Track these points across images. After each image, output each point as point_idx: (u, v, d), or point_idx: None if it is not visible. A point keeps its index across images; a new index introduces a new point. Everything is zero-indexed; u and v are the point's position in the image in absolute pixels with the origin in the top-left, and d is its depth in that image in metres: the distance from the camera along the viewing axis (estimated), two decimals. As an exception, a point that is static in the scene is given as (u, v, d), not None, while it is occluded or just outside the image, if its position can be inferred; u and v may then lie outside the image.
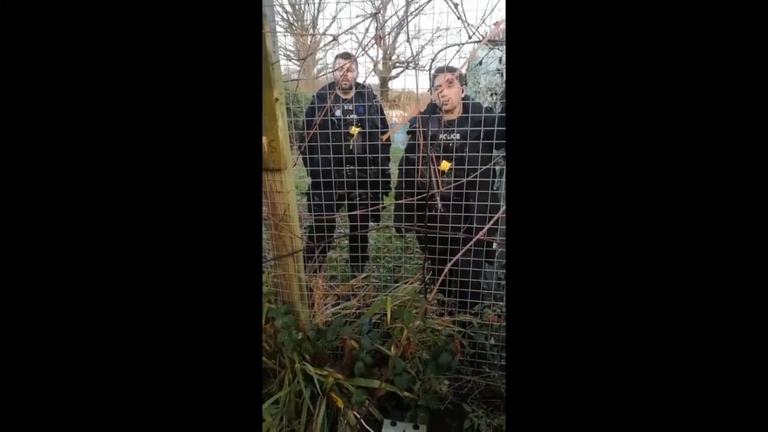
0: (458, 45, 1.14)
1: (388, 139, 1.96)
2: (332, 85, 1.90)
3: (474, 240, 0.94)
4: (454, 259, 0.89)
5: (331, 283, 1.53)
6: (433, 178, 1.39)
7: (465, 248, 0.96)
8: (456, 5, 1.02)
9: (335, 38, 1.06)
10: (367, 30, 1.18)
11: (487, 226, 0.91)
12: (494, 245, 1.44)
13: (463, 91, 1.52)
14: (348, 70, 1.81)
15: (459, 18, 1.11)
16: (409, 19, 1.32)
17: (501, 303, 1.38)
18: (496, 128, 1.23)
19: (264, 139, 1.10)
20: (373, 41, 1.32)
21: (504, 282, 1.57)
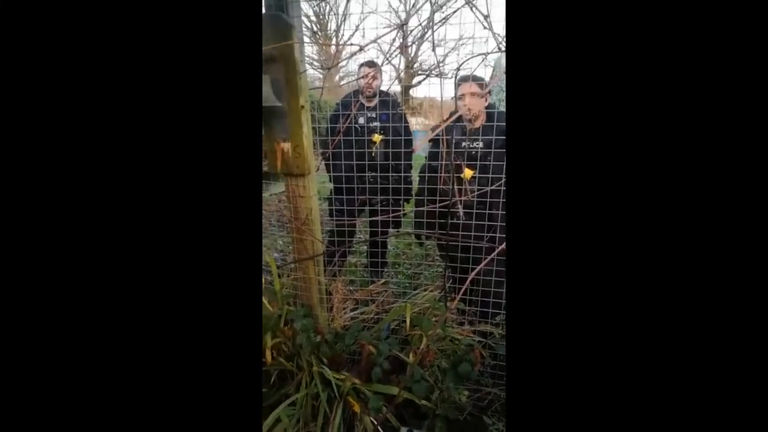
0: (483, 54, 1.14)
1: (408, 147, 1.97)
2: (356, 93, 1.93)
3: (498, 249, 0.93)
4: (478, 268, 0.88)
5: (350, 288, 1.54)
6: (455, 186, 1.39)
7: (490, 257, 0.94)
8: (486, 16, 1.02)
9: (362, 48, 1.08)
10: (393, 40, 1.20)
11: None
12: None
13: (486, 101, 1.52)
14: (372, 78, 1.83)
15: (486, 28, 1.12)
16: (435, 28, 1.33)
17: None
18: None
19: (288, 145, 1.12)
20: (397, 50, 1.33)
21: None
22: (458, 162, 1.46)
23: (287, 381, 1.21)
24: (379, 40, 1.26)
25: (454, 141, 1.52)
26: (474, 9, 1.00)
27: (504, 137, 1.34)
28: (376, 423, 1.08)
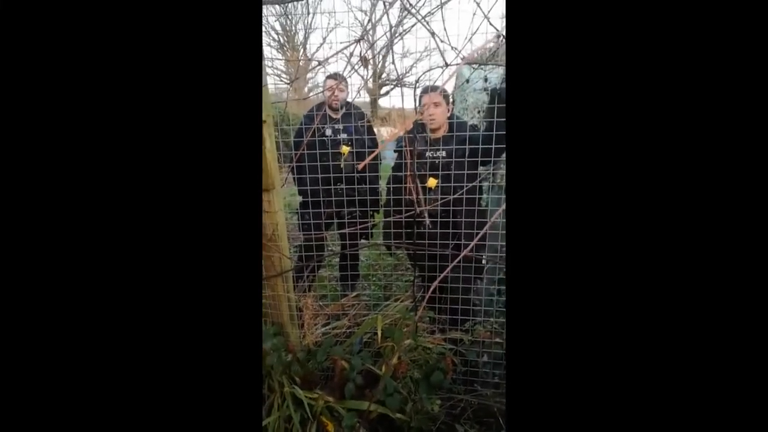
0: (441, 67, 1.17)
1: (375, 159, 1.98)
2: (321, 106, 1.93)
3: (461, 256, 0.95)
4: (441, 276, 0.90)
5: (322, 303, 1.51)
6: (420, 196, 1.41)
7: (452, 264, 0.96)
8: (433, 33, 1.06)
9: (321, 63, 1.09)
10: (351, 54, 1.22)
11: (473, 242, 0.92)
12: (483, 261, 1.45)
13: (449, 111, 1.56)
14: (338, 90, 1.84)
15: (441, 41, 1.15)
16: (395, 41, 1.36)
17: (492, 319, 1.38)
18: (481, 146, 1.26)
19: (252, 161, 1.11)
20: (360, 63, 1.35)
21: (495, 298, 1.57)
22: (422, 172, 1.49)
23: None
24: (344, 52, 1.27)
25: (417, 151, 1.55)
26: (426, 25, 1.04)
27: (466, 146, 1.38)
28: (350, 440, 1.06)
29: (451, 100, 1.61)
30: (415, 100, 1.49)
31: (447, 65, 1.16)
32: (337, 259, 2.18)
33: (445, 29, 1.17)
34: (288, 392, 1.12)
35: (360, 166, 1.21)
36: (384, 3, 1.29)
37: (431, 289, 0.93)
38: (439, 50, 1.05)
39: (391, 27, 1.39)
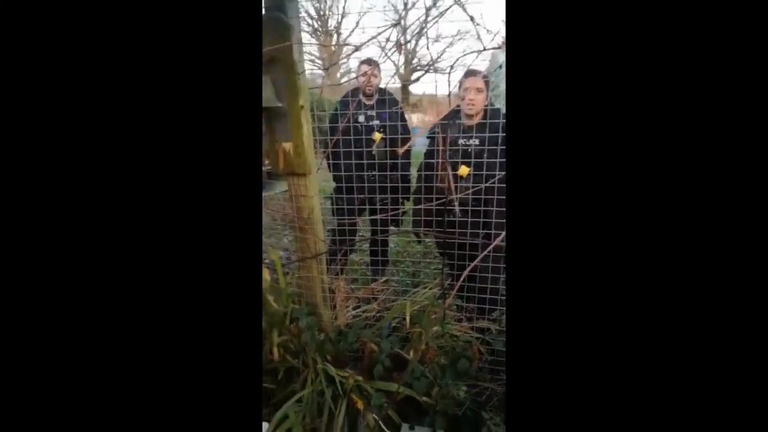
0: (477, 51, 1.15)
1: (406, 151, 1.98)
2: (355, 91, 1.94)
3: (491, 246, 0.95)
4: (471, 265, 0.90)
5: (352, 286, 1.56)
6: (452, 184, 1.40)
7: (482, 254, 0.96)
8: (471, 18, 1.03)
9: (357, 48, 1.09)
10: (388, 39, 1.21)
11: (504, 233, 0.92)
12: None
13: (487, 98, 1.53)
14: (371, 75, 1.84)
15: (477, 25, 1.13)
16: (429, 25, 1.34)
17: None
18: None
19: (289, 145, 1.14)
20: (393, 48, 1.34)
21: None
22: (454, 159, 1.48)
23: (293, 378, 1.23)
24: (377, 38, 1.27)
25: (450, 138, 1.53)
26: (464, 8, 1.02)
27: (499, 134, 1.36)
28: (378, 419, 1.11)
29: (491, 86, 1.57)
30: (448, 85, 1.46)
31: (485, 49, 1.13)
32: (368, 245, 2.22)
33: (481, 13, 1.14)
34: (321, 369, 1.17)
35: (400, 152, 1.21)
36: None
37: (461, 278, 0.94)
38: (477, 34, 1.02)
39: (427, 9, 1.36)
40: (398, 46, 1.38)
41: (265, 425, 1.07)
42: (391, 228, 2.05)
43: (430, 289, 1.59)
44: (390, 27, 1.27)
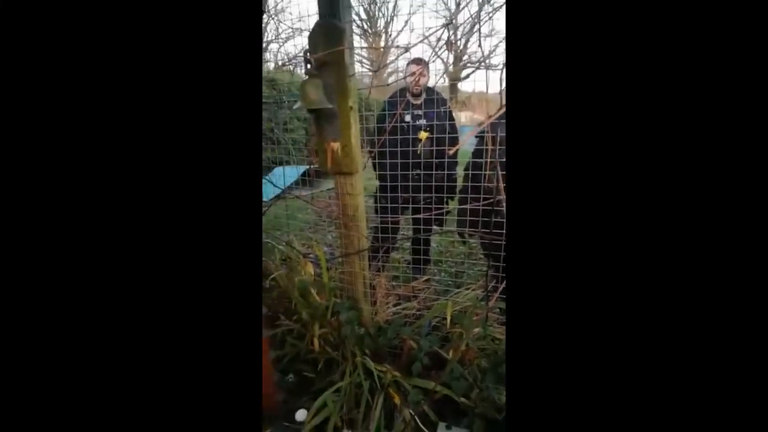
0: None
1: (454, 145, 1.96)
2: (403, 91, 1.95)
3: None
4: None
5: (393, 283, 1.58)
6: (501, 184, 1.37)
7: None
8: None
9: (407, 49, 1.11)
10: (438, 39, 1.21)
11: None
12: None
13: None
14: (420, 75, 1.84)
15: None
16: (482, 22, 1.31)
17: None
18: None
19: (338, 144, 1.18)
20: (444, 47, 1.34)
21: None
22: (503, 159, 1.43)
23: (333, 369, 1.28)
24: (427, 37, 1.27)
25: (499, 137, 1.49)
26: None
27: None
28: (414, 415, 1.12)
29: None
30: (500, 83, 1.43)
31: None
32: (409, 243, 2.23)
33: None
34: (360, 362, 1.20)
35: (450, 152, 1.20)
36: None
37: (504, 281, 0.92)
38: None
39: (480, 5, 1.35)
40: (449, 44, 1.37)
41: (303, 412, 1.13)
42: (434, 227, 2.03)
43: (473, 290, 1.56)
44: (440, 28, 1.27)
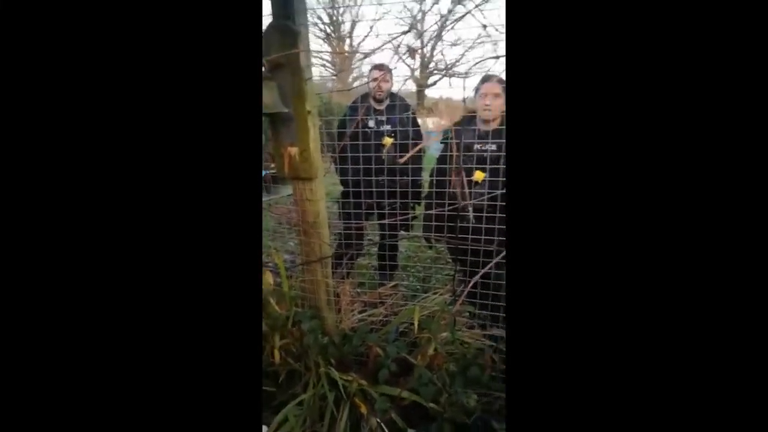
0: (494, 57, 1.13)
1: (419, 151, 1.97)
2: (365, 97, 1.94)
3: (505, 252, 0.92)
4: (482, 271, 0.88)
5: (359, 290, 1.55)
6: (465, 189, 1.38)
7: (495, 260, 0.94)
8: (484, 26, 1.02)
9: (367, 55, 1.10)
10: (399, 45, 1.21)
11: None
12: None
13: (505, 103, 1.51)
14: (382, 81, 1.85)
15: (497, 30, 1.11)
16: (445, 30, 1.33)
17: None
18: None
19: (296, 149, 1.15)
20: (406, 54, 1.34)
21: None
22: (468, 165, 1.45)
23: (295, 381, 1.23)
24: (391, 42, 1.27)
25: (463, 144, 1.51)
26: (474, 16, 1.01)
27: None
28: (381, 423, 1.09)
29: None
30: (464, 90, 1.45)
31: (498, 57, 1.11)
32: (376, 249, 2.21)
33: (499, 17, 1.13)
34: (323, 372, 1.16)
35: (402, 160, 1.20)
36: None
37: (471, 284, 0.92)
38: (494, 39, 1.02)
39: (441, 16, 1.36)
40: (411, 51, 1.38)
41: (264, 428, 1.07)
42: (401, 233, 2.03)
43: (441, 294, 1.56)
44: (402, 34, 1.27)
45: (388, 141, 1.83)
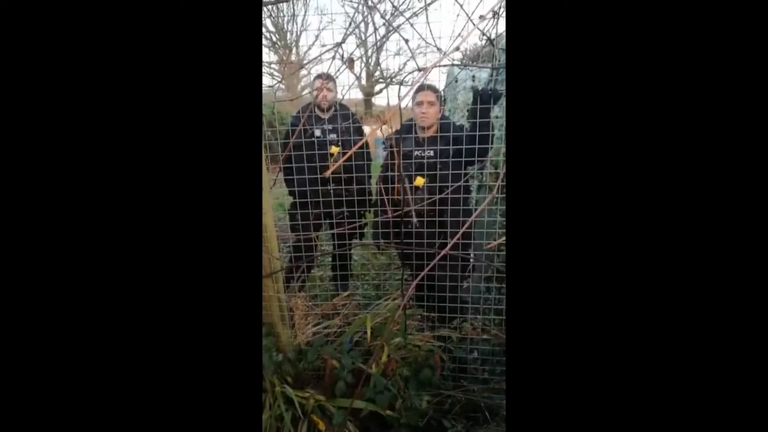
0: (420, 69, 1.18)
1: (366, 159, 1.99)
2: (307, 106, 1.93)
3: (442, 254, 0.96)
4: (422, 273, 0.92)
5: (313, 303, 1.53)
6: (408, 195, 1.43)
7: (434, 262, 0.98)
8: (421, 35, 1.07)
9: (310, 62, 1.10)
10: (343, 54, 1.22)
11: (454, 240, 0.94)
12: (470, 259, 1.47)
13: (441, 111, 1.58)
14: (326, 90, 1.85)
15: (428, 43, 1.17)
16: (386, 40, 1.37)
17: (479, 316, 1.40)
18: (464, 146, 1.28)
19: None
20: (345, 65, 1.36)
21: (483, 295, 1.60)
22: (408, 172, 1.50)
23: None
24: (336, 51, 1.28)
25: (404, 151, 1.56)
26: (413, 26, 1.06)
27: (451, 147, 1.40)
28: (340, 438, 1.08)
29: (442, 99, 1.62)
30: (398, 99, 1.51)
31: (420, 69, 1.16)
32: (329, 259, 2.19)
33: (430, 29, 1.19)
34: (279, 392, 1.13)
35: (332, 168, 1.19)
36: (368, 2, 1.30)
37: (412, 287, 0.95)
38: (412, 53, 1.07)
39: (375, 28, 1.40)
40: (349, 62, 1.40)
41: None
42: (353, 241, 2.04)
43: (393, 299, 1.59)
44: (337, 45, 1.29)
45: (335, 150, 1.83)
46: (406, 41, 1.04)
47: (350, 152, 1.00)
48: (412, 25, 1.23)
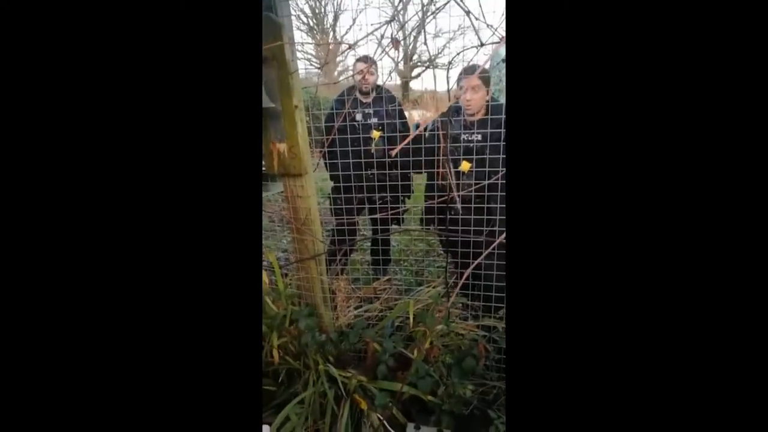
0: (477, 47, 1.12)
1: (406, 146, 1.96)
2: (351, 90, 1.92)
3: (495, 243, 0.92)
4: (475, 263, 0.88)
5: (354, 286, 1.54)
6: (452, 180, 1.38)
7: (486, 252, 0.94)
8: (468, 11, 1.01)
9: (351, 46, 1.07)
10: (382, 36, 1.19)
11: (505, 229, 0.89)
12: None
13: (488, 93, 1.50)
14: (368, 73, 1.82)
15: (477, 19, 1.10)
16: (427, 21, 1.31)
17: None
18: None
19: (284, 146, 1.12)
20: (390, 45, 1.32)
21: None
22: (455, 156, 1.45)
23: (295, 379, 1.22)
24: (374, 34, 1.25)
25: (452, 135, 1.51)
26: (459, 4, 0.99)
27: (501, 130, 1.33)
28: (382, 419, 1.09)
29: (488, 83, 1.54)
30: (448, 82, 1.44)
31: (482, 44, 1.10)
32: (369, 244, 2.20)
33: (480, 6, 1.11)
34: (322, 370, 1.16)
35: (393, 153, 1.19)
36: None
37: (465, 276, 0.92)
38: (474, 29, 1.00)
39: (423, 6, 1.34)
40: (394, 42, 1.36)
41: (266, 428, 1.06)
42: (393, 227, 2.03)
43: (434, 287, 1.57)
44: (384, 24, 1.25)
45: (376, 134, 1.81)
46: (468, 13, 0.98)
47: (398, 147, 0.97)
48: (459, 3, 1.16)
